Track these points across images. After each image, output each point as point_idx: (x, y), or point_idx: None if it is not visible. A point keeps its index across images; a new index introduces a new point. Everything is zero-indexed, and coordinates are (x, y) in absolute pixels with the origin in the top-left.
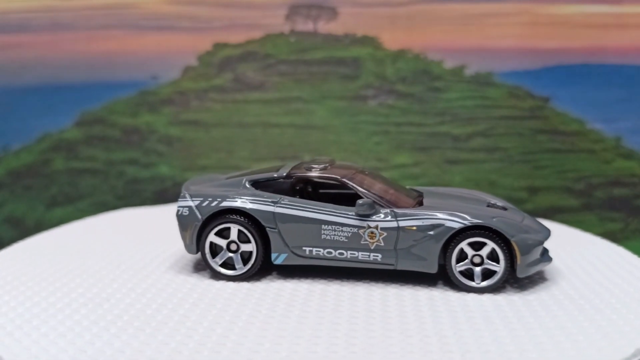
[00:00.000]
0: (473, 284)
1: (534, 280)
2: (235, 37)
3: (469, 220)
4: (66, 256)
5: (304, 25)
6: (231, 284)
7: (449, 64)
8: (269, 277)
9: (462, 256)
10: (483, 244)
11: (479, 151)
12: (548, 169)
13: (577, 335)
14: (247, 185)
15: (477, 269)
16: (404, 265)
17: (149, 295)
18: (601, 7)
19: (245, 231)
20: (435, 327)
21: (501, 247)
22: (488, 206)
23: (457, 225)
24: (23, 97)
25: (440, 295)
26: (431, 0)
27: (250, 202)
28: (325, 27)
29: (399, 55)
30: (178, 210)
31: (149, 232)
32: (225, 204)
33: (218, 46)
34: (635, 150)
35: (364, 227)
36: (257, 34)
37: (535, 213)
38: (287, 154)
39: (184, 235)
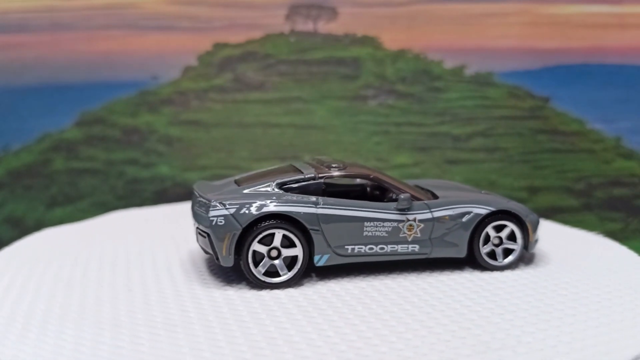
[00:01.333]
0: (497, 262)
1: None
2: (235, 37)
3: (494, 206)
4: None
5: (304, 25)
6: (262, 292)
7: (449, 64)
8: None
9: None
10: (503, 227)
11: (479, 151)
12: (548, 169)
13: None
14: (277, 189)
15: (499, 249)
16: (437, 253)
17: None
18: (601, 7)
19: (291, 235)
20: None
21: (518, 228)
22: (482, 193)
23: (484, 212)
24: (23, 97)
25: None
26: (431, 0)
27: (292, 206)
28: (325, 27)
29: (399, 55)
30: (212, 221)
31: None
32: (268, 209)
33: (218, 46)
34: (635, 150)
35: (403, 221)
36: (257, 34)
37: (535, 213)
38: (287, 154)
39: (220, 246)
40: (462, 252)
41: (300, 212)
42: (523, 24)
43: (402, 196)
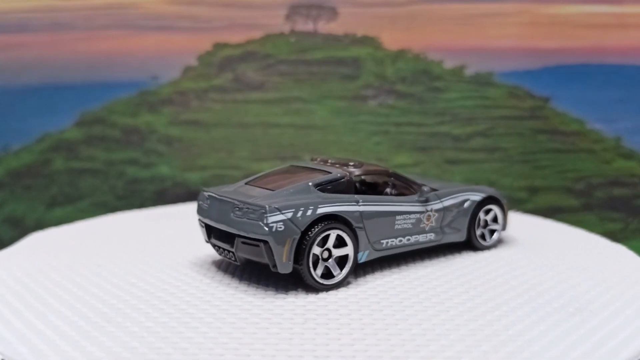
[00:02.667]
0: (486, 243)
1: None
2: (235, 37)
3: (485, 193)
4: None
5: (304, 25)
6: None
7: (449, 64)
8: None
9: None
10: (489, 210)
11: (479, 151)
12: (548, 169)
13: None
14: (315, 189)
15: (485, 231)
16: (446, 239)
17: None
18: (601, 7)
19: (344, 235)
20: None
21: (500, 210)
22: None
23: (479, 198)
24: (23, 97)
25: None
26: (431, 0)
27: (340, 205)
28: (325, 27)
29: (399, 55)
30: (272, 227)
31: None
32: (322, 210)
33: (218, 46)
34: (635, 150)
35: (423, 212)
36: (257, 34)
37: (535, 213)
38: (287, 154)
39: (280, 252)
40: (463, 236)
41: (348, 211)
42: (523, 24)
43: (424, 188)
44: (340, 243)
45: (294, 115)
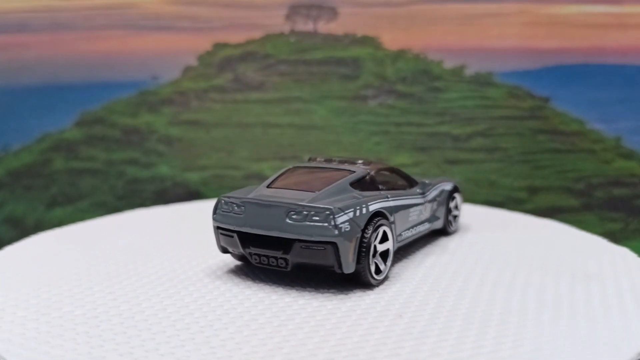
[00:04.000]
0: (454, 228)
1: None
2: (235, 37)
3: (450, 183)
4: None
5: (304, 25)
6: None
7: (449, 64)
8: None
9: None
10: (454, 198)
11: (479, 151)
12: (548, 169)
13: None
14: (352, 188)
15: (450, 217)
16: (432, 227)
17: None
18: (601, 7)
19: (388, 230)
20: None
21: (459, 198)
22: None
23: (449, 188)
24: (23, 97)
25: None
26: (431, 0)
27: (379, 202)
28: (325, 27)
29: (399, 55)
30: (341, 228)
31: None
32: (373, 207)
33: (218, 46)
34: (635, 150)
35: (424, 203)
36: (257, 34)
37: (535, 213)
38: (287, 154)
39: (347, 252)
40: (442, 224)
41: (385, 207)
42: (523, 24)
43: (426, 181)
44: (382, 238)
45: (294, 115)
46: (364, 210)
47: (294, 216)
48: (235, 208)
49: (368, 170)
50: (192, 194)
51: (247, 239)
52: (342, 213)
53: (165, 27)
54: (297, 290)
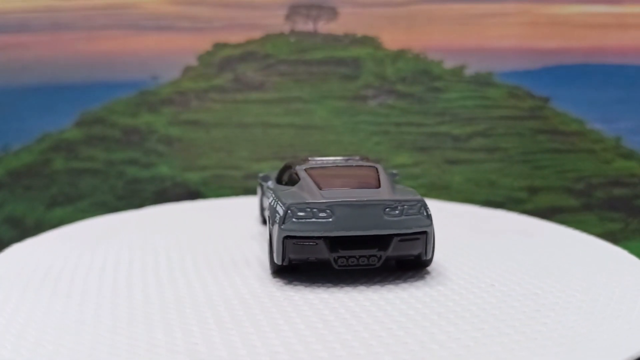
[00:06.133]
0: None
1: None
2: (235, 37)
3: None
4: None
5: (304, 25)
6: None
7: (449, 64)
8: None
9: None
10: None
11: (479, 151)
12: (548, 169)
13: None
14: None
15: None
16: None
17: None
18: (601, 7)
19: None
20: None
21: None
22: None
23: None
24: (23, 97)
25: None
26: (431, 0)
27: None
28: (325, 27)
29: (399, 55)
30: (430, 217)
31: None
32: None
33: (218, 46)
34: (635, 150)
35: None
36: (257, 34)
37: (535, 213)
38: (287, 154)
39: (433, 238)
40: None
41: None
42: (523, 24)
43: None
44: None
45: (294, 115)
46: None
47: (391, 212)
48: (319, 214)
49: (377, 165)
50: (192, 194)
51: (336, 243)
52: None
53: (165, 27)
54: (364, 285)
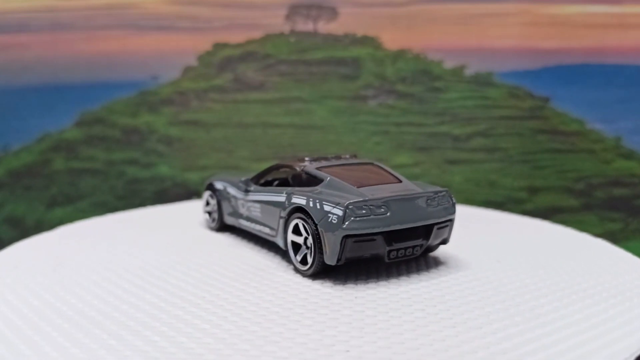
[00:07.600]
0: None
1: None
2: (235, 37)
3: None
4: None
5: (304, 25)
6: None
7: (449, 64)
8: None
9: None
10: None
11: (479, 151)
12: (548, 169)
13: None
14: None
15: None
16: None
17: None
18: (601, 7)
19: None
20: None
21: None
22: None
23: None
24: (23, 97)
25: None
26: (431, 0)
27: None
28: (325, 27)
29: (399, 55)
30: (455, 204)
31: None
32: None
33: (218, 46)
34: (635, 150)
35: None
36: (257, 34)
37: (535, 213)
38: (287, 154)
39: (453, 224)
40: None
41: None
42: (523, 24)
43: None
44: None
45: (294, 115)
46: None
47: (431, 203)
48: (377, 210)
49: (374, 162)
50: (192, 194)
51: (390, 237)
52: None
53: (165, 27)
54: (393, 279)
